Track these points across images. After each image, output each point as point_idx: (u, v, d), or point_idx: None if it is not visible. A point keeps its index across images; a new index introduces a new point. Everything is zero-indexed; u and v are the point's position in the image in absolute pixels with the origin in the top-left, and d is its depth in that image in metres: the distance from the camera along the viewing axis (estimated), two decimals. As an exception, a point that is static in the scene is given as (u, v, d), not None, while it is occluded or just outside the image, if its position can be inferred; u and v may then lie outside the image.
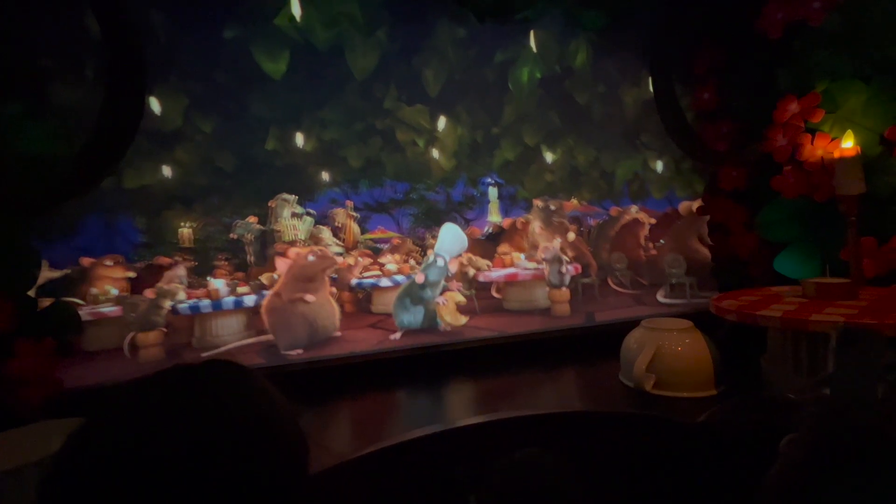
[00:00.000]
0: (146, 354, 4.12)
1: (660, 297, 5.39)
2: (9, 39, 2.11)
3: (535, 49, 5.57)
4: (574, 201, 9.12)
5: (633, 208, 7.10)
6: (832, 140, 2.11)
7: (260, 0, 4.65)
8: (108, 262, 5.36)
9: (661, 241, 6.58)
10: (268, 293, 4.33)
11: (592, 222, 9.04)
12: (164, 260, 6.25)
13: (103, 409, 0.45)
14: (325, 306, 4.32)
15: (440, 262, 4.48)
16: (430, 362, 2.48)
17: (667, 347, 1.92)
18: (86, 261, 5.44)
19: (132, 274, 5.59)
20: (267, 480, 0.46)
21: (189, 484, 0.41)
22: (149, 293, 4.33)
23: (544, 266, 5.07)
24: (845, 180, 1.99)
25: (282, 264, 4.25)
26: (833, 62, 2.05)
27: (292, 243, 6.02)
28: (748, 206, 2.43)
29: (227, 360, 0.54)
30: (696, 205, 5.89)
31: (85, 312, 4.46)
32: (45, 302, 2.27)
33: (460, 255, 4.71)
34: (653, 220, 7.03)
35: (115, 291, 4.95)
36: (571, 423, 1.68)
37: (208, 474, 0.42)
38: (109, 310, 4.66)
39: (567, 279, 4.96)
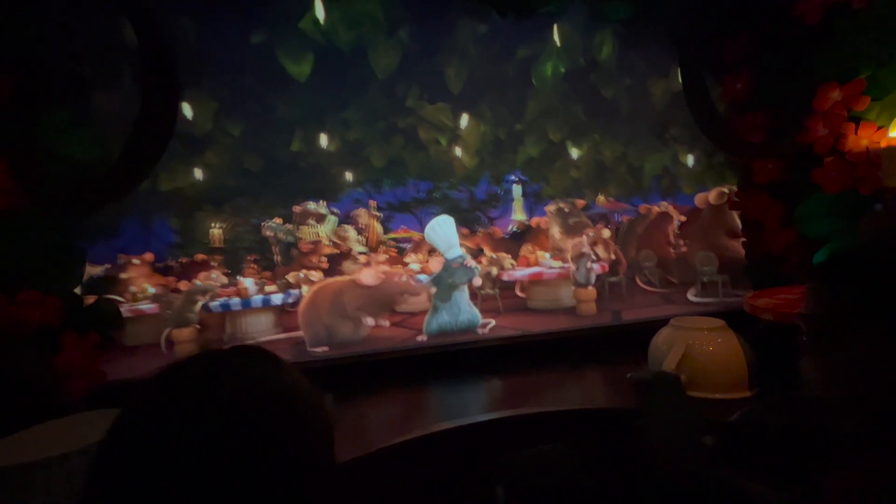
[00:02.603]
0: (181, 350, 4.30)
1: (690, 296, 5.22)
2: (54, 51, 2.23)
3: (558, 43, 5.47)
4: (601, 198, 8.93)
5: (663, 204, 6.89)
6: (878, 129, 1.99)
7: (285, 4, 4.75)
8: (136, 261, 5.59)
9: (687, 240, 6.36)
10: (308, 290, 4.39)
11: (621, 219, 8.84)
12: (201, 257, 6.50)
13: (139, 395, 0.48)
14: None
15: (469, 264, 4.33)
16: (454, 360, 2.49)
17: (697, 347, 1.86)
18: (123, 259, 5.71)
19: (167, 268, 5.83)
20: (295, 461, 0.47)
21: (220, 464, 0.43)
22: (183, 286, 4.51)
23: (570, 264, 5.00)
24: (895, 171, 1.87)
25: (367, 277, 4.12)
26: (878, 46, 1.93)
27: (315, 244, 6.13)
28: (785, 201, 2.32)
29: (254, 345, 0.55)
30: (712, 195, 5.68)
31: (125, 309, 4.69)
32: (89, 299, 2.40)
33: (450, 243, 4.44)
34: (682, 217, 6.80)
35: (152, 290, 5.18)
36: (595, 420, 1.65)
37: (238, 454, 0.44)
38: (147, 307, 4.89)
39: (593, 277, 4.87)
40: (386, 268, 4.37)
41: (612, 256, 5.89)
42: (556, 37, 5.36)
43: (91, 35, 2.67)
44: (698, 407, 1.35)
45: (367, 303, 4.12)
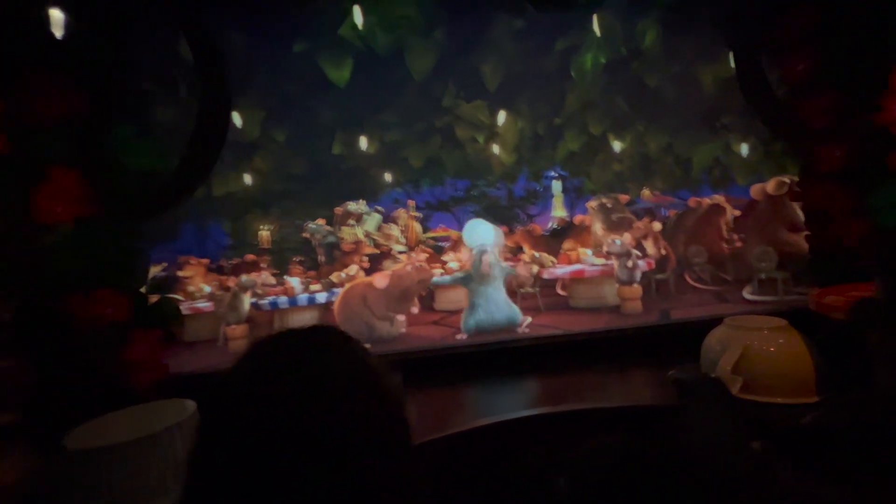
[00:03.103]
0: (234, 346, 4.55)
1: (747, 294, 4.89)
2: (121, 69, 2.43)
3: (598, 33, 5.29)
4: (646, 192, 8.55)
5: (715, 196, 6.48)
6: (969, 106, 1.78)
7: (326, 13, 4.91)
8: (193, 262, 5.95)
9: (742, 234, 5.95)
10: (340, 291, 4.57)
11: (669, 213, 8.43)
12: (251, 258, 6.86)
13: (234, 368, 0.52)
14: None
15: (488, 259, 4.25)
16: (493, 359, 2.47)
17: (757, 347, 1.74)
18: (182, 259, 6.10)
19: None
20: (379, 431, 0.50)
21: (310, 431, 0.46)
22: (231, 281, 4.78)
23: (612, 261, 4.83)
24: None
25: (381, 281, 4.28)
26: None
27: (356, 244, 6.28)
28: (855, 189, 2.12)
29: (331, 325, 0.60)
30: (770, 186, 5.26)
31: (183, 307, 5.02)
32: (153, 297, 2.59)
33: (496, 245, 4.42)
34: (736, 211, 6.38)
35: (207, 289, 5.51)
36: (642, 418, 1.59)
37: (328, 424, 0.47)
38: (203, 305, 5.21)
39: (638, 275, 4.67)
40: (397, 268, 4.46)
41: (662, 252, 5.63)
42: (595, 27, 5.18)
43: (152, 52, 2.88)
44: (750, 410, 1.27)
45: (390, 302, 4.22)
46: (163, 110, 4.24)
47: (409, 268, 4.28)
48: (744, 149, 6.90)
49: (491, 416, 1.64)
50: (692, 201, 6.74)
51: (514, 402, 2.06)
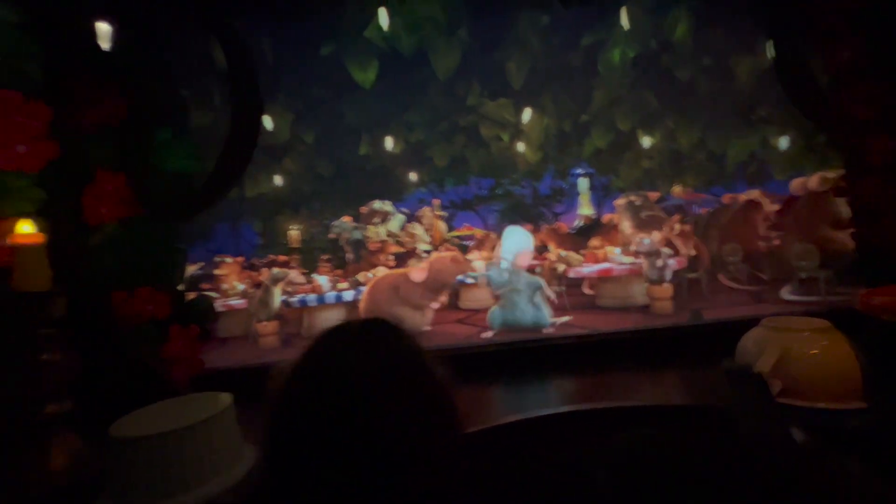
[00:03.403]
0: (265, 342, 4.70)
1: (786, 294, 4.67)
2: (159, 76, 2.55)
3: (626, 27, 5.16)
4: (677, 188, 8.28)
5: (751, 192, 6.20)
6: None
7: (351, 16, 4.99)
8: (228, 260, 6.17)
9: (780, 231, 5.67)
10: (366, 286, 4.65)
11: (701, 211, 8.14)
12: (282, 258, 7.07)
13: (306, 354, 0.59)
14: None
15: (503, 265, 4.32)
16: (520, 358, 2.46)
17: (797, 350, 1.65)
18: (217, 258, 6.34)
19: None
20: (433, 414, 0.55)
21: (373, 408, 0.51)
22: (263, 275, 4.95)
23: (641, 260, 4.71)
24: None
25: (418, 274, 4.39)
26: None
27: (382, 242, 6.36)
28: (907, 183, 2.00)
29: (388, 319, 0.64)
30: (813, 181, 4.98)
31: (217, 305, 5.22)
32: (189, 295, 2.71)
33: (524, 252, 4.42)
34: (775, 206, 6.08)
35: (241, 287, 5.71)
36: (676, 418, 1.56)
37: (385, 400, 0.52)
38: (237, 302, 5.40)
39: (669, 274, 4.54)
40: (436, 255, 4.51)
41: (692, 252, 5.45)
42: (624, 20, 5.05)
43: (187, 59, 3.01)
44: (789, 415, 1.23)
45: (425, 291, 4.27)
46: (197, 115, 4.42)
47: (446, 257, 4.33)
48: (783, 142, 6.58)
49: (519, 413, 1.64)
50: (726, 197, 6.48)
51: (541, 401, 2.05)
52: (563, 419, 1.59)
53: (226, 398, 1.27)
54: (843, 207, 4.37)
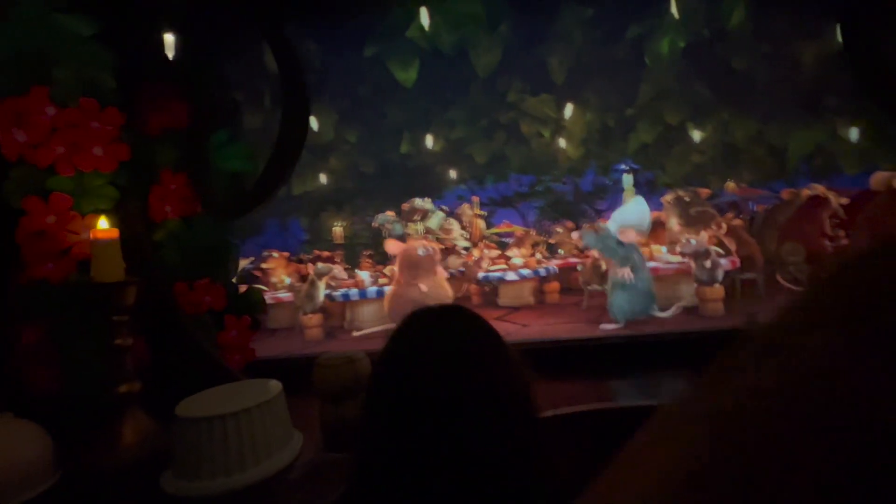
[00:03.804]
0: (310, 334, 4.91)
1: (853, 299, 4.30)
2: (216, 82, 2.72)
3: (676, 15, 4.92)
4: (731, 184, 7.79)
5: (816, 187, 5.72)
6: None
7: (393, 17, 5.08)
8: (276, 255, 6.45)
9: (850, 230, 5.20)
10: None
11: (757, 208, 7.62)
12: (326, 254, 7.33)
13: (394, 338, 0.63)
14: (436, 290, 4.56)
15: (602, 229, 4.38)
16: (566, 357, 2.43)
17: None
18: (266, 253, 6.66)
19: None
20: (510, 389, 0.58)
21: (458, 387, 0.55)
22: (309, 268, 5.19)
23: (689, 260, 4.49)
24: None
25: (392, 247, 4.67)
26: None
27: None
28: None
29: (461, 305, 0.70)
30: (892, 176, 4.51)
31: (267, 297, 5.49)
32: (242, 288, 2.88)
33: (634, 227, 4.40)
34: (844, 201, 5.58)
35: (288, 280, 5.98)
36: None
37: (472, 386, 0.56)
38: (284, 295, 5.66)
39: (720, 274, 4.31)
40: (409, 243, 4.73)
41: (742, 251, 5.13)
42: (673, 8, 4.82)
43: (241, 65, 3.19)
44: None
45: (407, 271, 4.43)
46: (250, 118, 4.66)
47: (420, 251, 4.43)
48: (853, 133, 6.03)
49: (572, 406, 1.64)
50: (786, 193, 6.02)
51: (579, 399, 2.02)
52: (610, 414, 1.58)
53: (276, 385, 1.35)
54: (923, 205, 3.95)
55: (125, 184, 2.22)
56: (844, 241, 5.21)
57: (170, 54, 2.49)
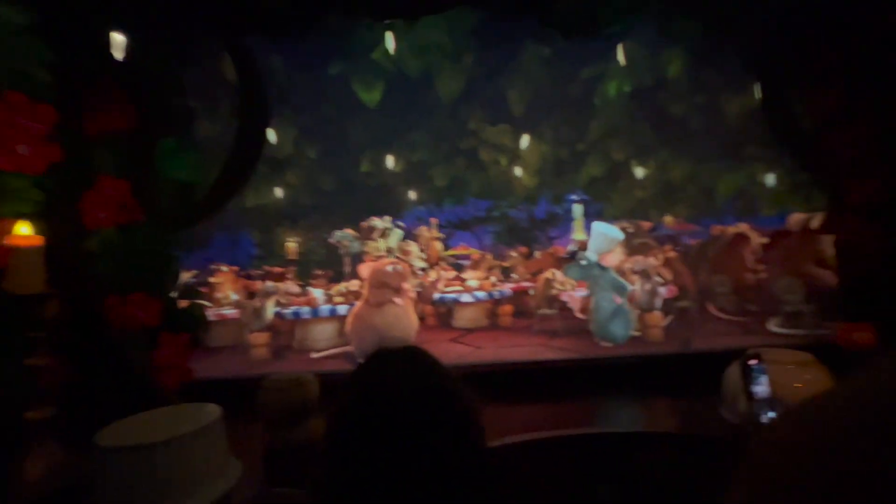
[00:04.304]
0: (256, 353, 4.65)
1: (772, 327, 4.73)
2: (169, 87, 2.61)
3: (623, 62, 5.37)
4: (668, 219, 8.43)
5: (741, 225, 6.33)
6: None
7: (359, 38, 5.15)
8: (224, 269, 6.11)
9: (768, 265, 5.77)
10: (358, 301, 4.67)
11: (691, 242, 8.27)
12: (278, 270, 7.03)
13: (353, 381, 0.65)
14: (401, 318, 4.46)
15: (582, 262, 4.59)
16: (512, 380, 2.47)
17: (781, 382, 1.69)
18: (213, 266, 6.29)
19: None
20: (460, 428, 0.61)
21: (412, 427, 0.58)
22: (257, 286, 4.96)
23: (636, 283, 4.75)
24: None
25: (364, 269, 4.61)
26: None
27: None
28: (886, 224, 2.07)
29: (418, 347, 0.72)
30: (814, 220, 5.11)
31: (210, 313, 5.16)
32: (182, 303, 2.71)
33: (611, 250, 4.71)
34: (763, 239, 6.20)
35: (234, 296, 5.67)
36: (669, 445, 1.58)
37: (430, 420, 0.59)
38: (229, 312, 5.35)
39: (659, 302, 4.59)
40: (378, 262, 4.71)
41: (679, 281, 5.51)
42: (620, 56, 5.26)
43: (197, 71, 3.08)
44: None
45: (378, 292, 4.40)
46: (204, 126, 4.49)
47: (389, 268, 4.44)
48: (770, 179, 6.78)
49: (509, 436, 1.65)
50: (715, 229, 6.60)
51: (534, 423, 2.05)
52: (559, 442, 1.62)
53: (214, 409, 1.26)
54: (827, 245, 4.48)
55: (55, 187, 2.06)
56: (764, 275, 5.75)
57: (117, 54, 2.38)
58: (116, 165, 2.37)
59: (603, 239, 4.61)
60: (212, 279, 5.73)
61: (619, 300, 4.33)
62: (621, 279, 4.52)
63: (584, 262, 4.51)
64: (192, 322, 2.60)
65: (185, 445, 1.07)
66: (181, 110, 2.73)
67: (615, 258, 4.52)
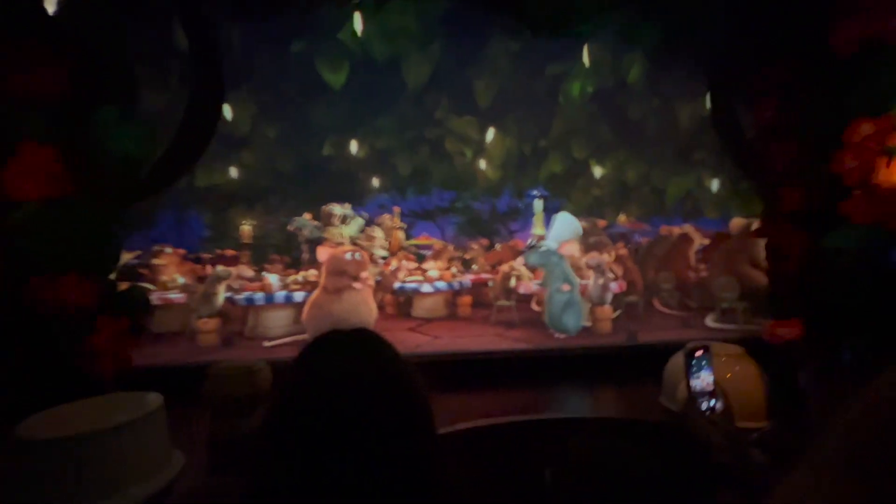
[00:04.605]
0: (204, 339, 4.44)
1: (709, 322, 5.10)
2: (110, 49, 2.39)
3: (587, 63, 5.51)
4: (622, 217, 8.84)
5: (685, 226, 6.76)
6: (913, 164, 1.94)
7: (325, 16, 4.95)
8: (168, 251, 5.76)
9: (708, 264, 6.21)
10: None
11: (642, 240, 8.71)
12: (230, 252, 6.71)
13: (298, 363, 0.62)
14: (359, 306, 4.40)
15: (541, 248, 4.68)
16: (464, 370, 2.50)
17: (715, 373, 1.83)
18: (157, 248, 5.92)
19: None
20: (411, 422, 0.60)
21: (357, 414, 0.56)
22: (207, 270, 4.70)
23: (589, 276, 4.96)
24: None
25: (322, 253, 4.51)
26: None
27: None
28: (811, 230, 2.27)
29: (369, 330, 0.69)
30: (753, 224, 5.54)
31: (154, 297, 4.87)
32: (123, 285, 2.53)
33: (570, 241, 4.82)
34: (705, 240, 6.65)
35: (181, 280, 5.37)
36: (614, 429, 1.68)
37: (376, 405, 0.58)
38: (175, 296, 5.07)
39: (609, 296, 4.81)
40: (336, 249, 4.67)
41: (628, 277, 5.81)
42: (585, 57, 5.39)
43: (146, 36, 2.84)
44: None
45: (341, 280, 4.36)
46: (152, 96, 4.17)
47: (347, 255, 4.40)
48: (714, 184, 7.25)
49: (467, 421, 1.69)
50: (664, 229, 7.00)
51: (488, 410, 2.10)
52: (509, 428, 1.67)
53: (155, 398, 1.20)
54: (761, 248, 4.86)
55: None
56: (704, 273, 6.17)
57: (49, 8, 2.15)
58: (44, 132, 2.16)
59: (566, 227, 4.76)
60: (155, 261, 5.39)
61: (567, 288, 4.45)
62: (573, 273, 4.68)
63: (542, 249, 4.63)
64: (133, 305, 2.43)
65: (117, 437, 1.00)
66: (125, 77, 2.51)
67: (572, 249, 4.67)
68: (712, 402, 1.14)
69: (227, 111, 6.09)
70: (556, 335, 4.52)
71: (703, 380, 1.16)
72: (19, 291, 2.01)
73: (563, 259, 4.64)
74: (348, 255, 4.41)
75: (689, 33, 2.69)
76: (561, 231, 4.78)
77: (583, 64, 5.63)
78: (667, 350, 2.03)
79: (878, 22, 1.96)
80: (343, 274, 4.33)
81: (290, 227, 6.32)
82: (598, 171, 7.95)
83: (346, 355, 0.62)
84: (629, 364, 2.54)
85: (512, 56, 6.49)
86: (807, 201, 2.30)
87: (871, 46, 2.01)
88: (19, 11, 2.11)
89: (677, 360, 1.96)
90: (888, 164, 2.00)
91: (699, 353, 1.16)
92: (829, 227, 2.17)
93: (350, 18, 4.42)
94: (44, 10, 2.13)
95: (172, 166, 2.33)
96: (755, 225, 5.42)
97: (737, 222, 5.81)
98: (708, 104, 2.67)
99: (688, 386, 1.15)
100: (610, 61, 5.60)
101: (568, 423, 1.76)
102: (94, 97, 2.27)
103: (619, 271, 5.73)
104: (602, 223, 6.30)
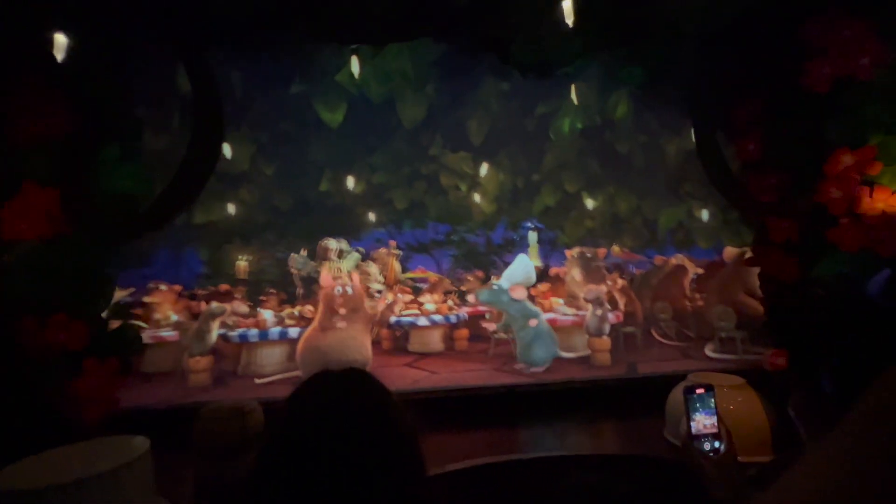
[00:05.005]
0: (195, 379, 4.31)
1: (709, 352, 5.05)
2: (115, 91, 2.46)
3: (575, 101, 5.74)
4: (616, 248, 8.93)
5: (679, 256, 6.82)
6: (893, 193, 2.01)
7: (324, 60, 5.16)
8: (163, 287, 5.67)
9: (703, 293, 6.23)
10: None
11: (636, 271, 8.76)
12: (225, 287, 6.64)
13: (288, 403, 0.63)
14: (349, 342, 4.29)
15: (494, 286, 4.68)
16: (465, 406, 2.45)
17: (717, 406, 1.80)
18: (152, 284, 5.84)
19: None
20: (403, 461, 0.61)
21: (349, 453, 0.57)
22: (202, 306, 4.63)
23: (587, 308, 4.93)
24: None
25: (325, 281, 4.54)
26: (886, 115, 2.00)
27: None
28: (801, 258, 2.31)
29: (361, 370, 0.70)
30: (747, 252, 5.61)
31: (146, 335, 4.77)
32: (114, 323, 2.48)
33: (523, 284, 4.76)
34: (699, 270, 6.70)
35: (175, 317, 5.29)
36: (616, 466, 1.62)
37: (366, 447, 0.58)
38: (168, 333, 4.97)
39: (607, 327, 4.78)
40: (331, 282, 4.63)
41: (628, 307, 5.80)
42: (573, 96, 5.62)
43: (149, 79, 2.94)
44: None
45: (333, 315, 4.34)
46: (153, 137, 4.27)
47: (337, 289, 4.37)
48: (704, 215, 7.40)
49: (463, 460, 1.63)
50: (657, 259, 7.05)
51: (487, 448, 2.04)
52: (512, 466, 1.62)
53: (141, 443, 1.15)
54: (755, 277, 4.89)
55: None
56: (700, 303, 6.17)
57: (58, 55, 2.24)
58: (46, 173, 2.19)
59: (519, 270, 4.76)
60: (147, 299, 5.32)
61: (534, 322, 4.44)
62: (532, 306, 4.64)
63: (494, 287, 4.63)
64: (124, 345, 2.38)
65: (102, 485, 0.95)
66: (127, 118, 2.58)
67: (521, 294, 4.65)
68: (716, 444, 1.08)
69: (227, 149, 6.21)
70: (532, 370, 4.43)
71: (704, 421, 1.10)
72: (9, 332, 1.97)
73: (515, 302, 4.59)
74: (338, 289, 4.39)
75: (671, 73, 2.83)
76: (514, 272, 4.75)
77: (571, 102, 5.86)
78: (668, 381, 2.01)
79: (849, 61, 2.07)
80: (336, 309, 4.31)
81: (292, 268, 6.29)
82: (590, 204, 8.10)
83: (337, 395, 0.62)
84: (630, 396, 2.50)
85: (503, 96, 6.76)
86: (794, 231, 2.34)
87: (844, 82, 2.12)
88: (30, 58, 2.19)
89: (679, 392, 1.93)
90: (871, 194, 2.06)
91: (700, 390, 1.12)
92: (817, 255, 2.20)
93: (348, 62, 4.60)
94: (52, 57, 2.22)
95: (171, 203, 2.36)
96: (748, 254, 5.49)
97: (730, 251, 5.87)
98: (693, 139, 2.78)
99: (688, 425, 1.11)
100: (597, 100, 5.83)
101: (567, 461, 1.71)
102: (97, 138, 2.33)
103: (622, 301, 5.72)
104: (602, 252, 6.36)
